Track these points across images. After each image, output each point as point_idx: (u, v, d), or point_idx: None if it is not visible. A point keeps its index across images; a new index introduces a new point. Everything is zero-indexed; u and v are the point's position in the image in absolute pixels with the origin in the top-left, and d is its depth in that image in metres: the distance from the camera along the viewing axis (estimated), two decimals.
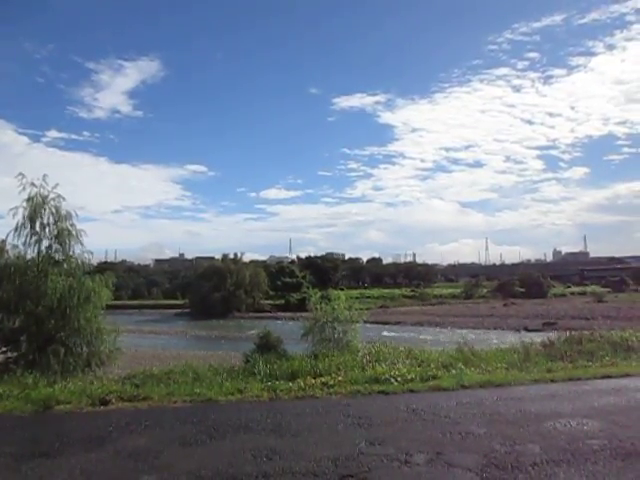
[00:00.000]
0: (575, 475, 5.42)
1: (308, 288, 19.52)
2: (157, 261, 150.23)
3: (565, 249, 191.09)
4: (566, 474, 5.44)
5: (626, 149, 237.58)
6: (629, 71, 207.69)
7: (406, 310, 70.59)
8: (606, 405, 8.27)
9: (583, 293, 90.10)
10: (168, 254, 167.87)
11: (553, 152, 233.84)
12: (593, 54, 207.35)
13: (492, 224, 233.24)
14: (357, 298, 69.95)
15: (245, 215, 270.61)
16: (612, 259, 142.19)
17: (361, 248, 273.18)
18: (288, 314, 65.27)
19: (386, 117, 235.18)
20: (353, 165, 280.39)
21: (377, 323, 50.95)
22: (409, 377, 11.08)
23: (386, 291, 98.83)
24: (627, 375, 11.03)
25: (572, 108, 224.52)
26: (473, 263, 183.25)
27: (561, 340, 16.00)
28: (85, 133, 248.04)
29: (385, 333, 42.23)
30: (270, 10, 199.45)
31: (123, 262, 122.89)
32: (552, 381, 10.63)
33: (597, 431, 6.85)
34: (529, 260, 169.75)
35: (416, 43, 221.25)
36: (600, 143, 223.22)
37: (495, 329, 45.20)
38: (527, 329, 42.11)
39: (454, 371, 11.90)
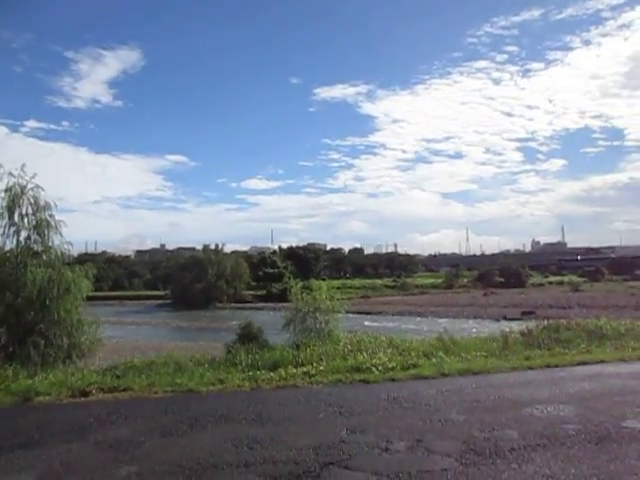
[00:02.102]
0: (551, 459, 5.50)
1: (290, 278, 19.56)
2: (138, 252, 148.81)
3: (543, 239, 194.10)
4: (542, 458, 5.53)
5: (601, 142, 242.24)
6: (604, 66, 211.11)
7: (388, 300, 71.01)
8: (581, 391, 8.39)
9: (560, 283, 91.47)
10: (149, 245, 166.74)
11: (532, 144, 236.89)
12: (570, 49, 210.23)
13: (472, 215, 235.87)
14: (339, 288, 69.45)
15: (226, 205, 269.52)
16: (589, 249, 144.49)
17: (343, 238, 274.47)
18: (270, 304, 65.29)
19: (367, 108, 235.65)
20: (334, 155, 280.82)
21: (359, 313, 51.18)
22: (390, 366, 11.17)
23: (368, 281, 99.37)
24: (602, 362, 11.22)
25: (550, 101, 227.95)
26: (454, 253, 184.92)
27: (539, 328, 16.20)
28: (64, 123, 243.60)
29: (367, 323, 42.50)
30: (252, 2, 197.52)
31: (103, 253, 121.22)
32: (530, 368, 10.77)
33: (572, 416, 6.95)
34: (508, 250, 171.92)
35: (397, 35, 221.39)
36: (577, 136, 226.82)
37: (475, 318, 45.69)
38: (506, 318, 42.68)
39: (434, 360, 12.01)
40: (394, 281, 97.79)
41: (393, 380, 9.94)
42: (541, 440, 6.05)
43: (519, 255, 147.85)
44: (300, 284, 17.24)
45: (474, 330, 30.84)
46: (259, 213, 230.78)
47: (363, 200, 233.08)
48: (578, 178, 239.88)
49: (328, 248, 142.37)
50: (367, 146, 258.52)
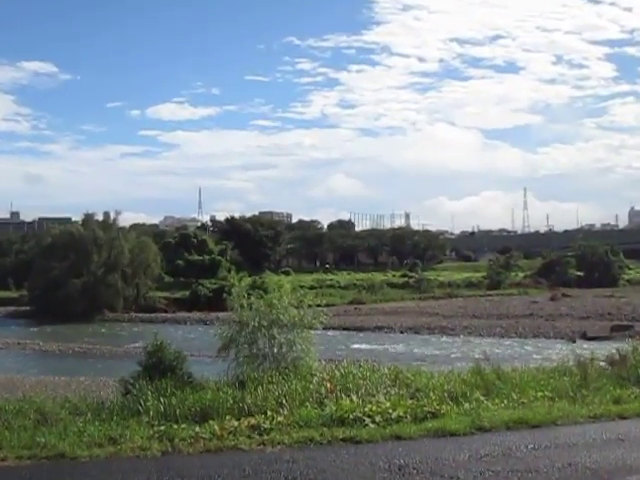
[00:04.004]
0: None
1: (230, 271, 19.73)
2: None
3: None
4: None
5: None
6: None
7: (393, 308, 71.88)
8: None
9: None
10: None
11: (630, 50, 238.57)
12: None
13: (534, 167, 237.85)
14: (313, 288, 69.79)
15: (123, 148, 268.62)
16: None
17: (320, 204, 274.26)
18: (196, 315, 65.80)
19: None
20: (306, 65, 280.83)
21: (345, 329, 51.78)
22: (395, 415, 11.38)
23: (361, 276, 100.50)
24: None
25: None
26: (503, 230, 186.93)
27: (638, 353, 16.46)
28: None
29: (357, 345, 42.94)
30: None
31: None
32: (621, 417, 11.08)
33: None
34: (592, 226, 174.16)
35: None
36: None
37: (536, 337, 46.66)
38: (586, 337, 43.79)
39: (467, 405, 12.27)
40: (405, 276, 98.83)
41: (399, 438, 10.09)
42: None
43: (608, 233, 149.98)
44: (247, 280, 17.38)
45: (534, 357, 31.38)
46: (178, 161, 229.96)
47: (353, 140, 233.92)
48: None
49: (295, 221, 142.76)
50: (360, 50, 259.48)
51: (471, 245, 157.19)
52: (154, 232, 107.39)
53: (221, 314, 52.93)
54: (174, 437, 10.28)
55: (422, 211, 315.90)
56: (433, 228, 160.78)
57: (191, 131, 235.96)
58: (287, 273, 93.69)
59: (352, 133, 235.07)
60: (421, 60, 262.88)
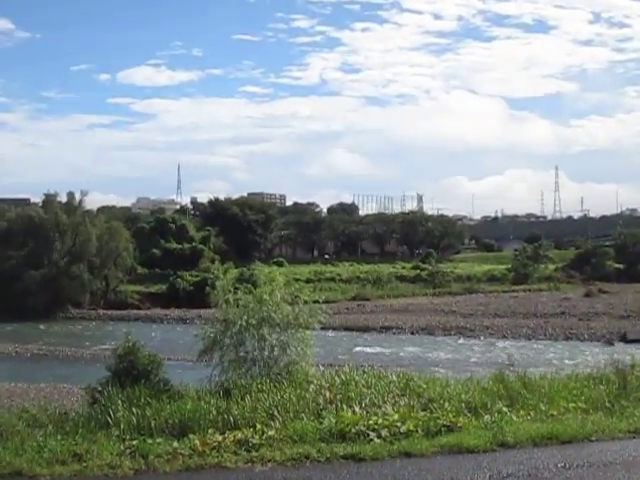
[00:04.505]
0: None
1: (213, 262, 19.90)
2: None
3: None
4: None
5: None
6: None
7: (403, 305, 71.87)
8: None
9: None
10: None
11: None
12: None
13: (567, 142, 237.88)
14: (310, 282, 69.71)
15: (89, 118, 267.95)
16: None
17: (318, 185, 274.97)
18: (174, 312, 65.99)
19: None
20: (302, 22, 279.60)
21: (347, 330, 52.07)
22: (404, 429, 11.39)
23: (365, 268, 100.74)
24: None
25: None
26: (530, 216, 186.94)
27: None
28: None
29: (361, 348, 43.03)
30: None
31: None
32: None
33: None
34: (633, 210, 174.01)
35: None
36: None
37: (568, 339, 46.83)
38: (626, 339, 43.85)
39: (488, 417, 12.26)
40: (416, 268, 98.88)
41: (409, 455, 10.10)
42: None
43: None
44: (234, 272, 17.59)
45: (566, 362, 31.34)
46: (154, 134, 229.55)
47: (358, 110, 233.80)
48: None
49: (289, 203, 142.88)
50: (366, 5, 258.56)
51: (494, 232, 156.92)
52: (126, 216, 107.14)
53: (203, 311, 53.76)
54: (148, 453, 10.26)
55: (437, 193, 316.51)
56: (450, 213, 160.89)
57: (169, 99, 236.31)
58: (280, 264, 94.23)
59: (356, 102, 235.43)
60: (437, 17, 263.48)
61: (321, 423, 11.87)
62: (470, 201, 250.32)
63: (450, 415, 12.30)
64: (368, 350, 41.70)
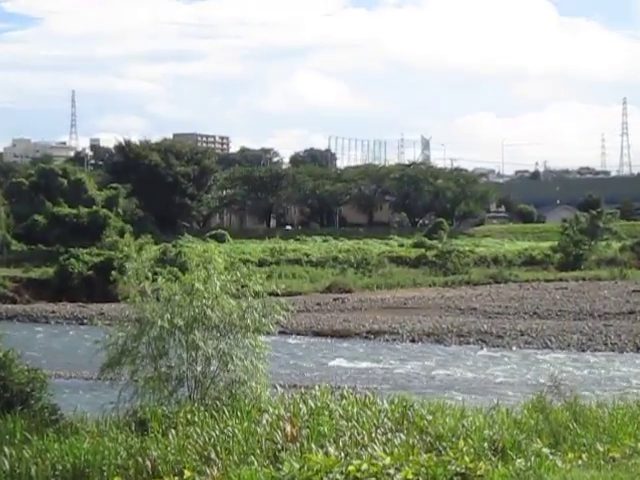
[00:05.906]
0: None
1: (123, 234, 18.20)
2: None
3: None
4: None
5: None
6: None
7: (400, 299, 67.58)
8: None
9: None
10: None
11: None
12: None
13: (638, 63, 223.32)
14: (265, 264, 65.62)
15: None
16: None
17: (276, 123, 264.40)
18: (66, 307, 61.82)
19: None
20: None
21: (318, 335, 49.79)
22: (399, 478, 9.37)
23: (346, 245, 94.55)
24: None
25: None
26: (586, 171, 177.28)
27: None
28: None
29: (338, 362, 41.14)
30: None
31: None
32: None
33: None
34: None
35: None
36: None
37: (639, 350, 44.60)
38: None
39: (522, 462, 10.50)
40: (420, 246, 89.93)
41: None
42: None
43: None
44: (153, 250, 15.22)
45: (634, 382, 29.95)
46: (38, 46, 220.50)
47: (335, 14, 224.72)
48: None
49: (235, 150, 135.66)
50: None
51: (533, 195, 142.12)
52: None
53: (107, 306, 50.57)
54: None
55: (450, 136, 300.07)
56: (469, 165, 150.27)
57: None
58: (220, 239, 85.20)
59: (333, 1, 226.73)
60: None
61: (279, 470, 9.72)
62: (499, 149, 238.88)
63: (467, 459, 9.74)
64: (349, 365, 38.64)
